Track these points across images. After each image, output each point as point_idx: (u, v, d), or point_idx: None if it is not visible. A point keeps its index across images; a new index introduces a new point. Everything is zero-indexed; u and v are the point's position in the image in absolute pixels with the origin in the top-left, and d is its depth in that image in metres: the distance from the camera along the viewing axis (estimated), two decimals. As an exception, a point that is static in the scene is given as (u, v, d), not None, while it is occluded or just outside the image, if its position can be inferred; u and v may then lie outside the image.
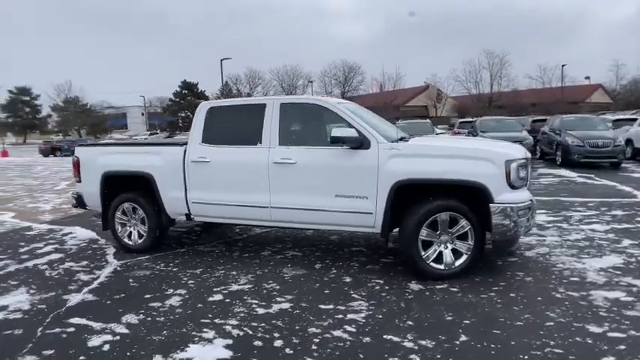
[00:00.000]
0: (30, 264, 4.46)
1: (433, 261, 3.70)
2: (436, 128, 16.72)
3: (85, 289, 3.72)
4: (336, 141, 3.77)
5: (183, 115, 55.67)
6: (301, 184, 4.07)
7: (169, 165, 4.50)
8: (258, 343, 2.74)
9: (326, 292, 3.54)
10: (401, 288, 3.56)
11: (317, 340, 2.73)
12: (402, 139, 4.08)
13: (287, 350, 2.63)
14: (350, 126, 3.90)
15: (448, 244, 3.72)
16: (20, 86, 57.47)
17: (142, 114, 66.91)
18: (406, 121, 15.52)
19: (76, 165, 4.98)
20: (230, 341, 2.76)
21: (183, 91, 56.44)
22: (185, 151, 4.47)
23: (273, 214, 4.19)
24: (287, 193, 4.12)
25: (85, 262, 4.48)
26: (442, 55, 77.51)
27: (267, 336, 2.81)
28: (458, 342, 2.65)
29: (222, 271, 4.09)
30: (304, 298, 3.40)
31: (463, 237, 3.70)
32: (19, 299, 3.51)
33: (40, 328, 2.99)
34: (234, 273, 4.04)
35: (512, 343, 2.62)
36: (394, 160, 3.76)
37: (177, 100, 57.27)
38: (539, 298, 3.27)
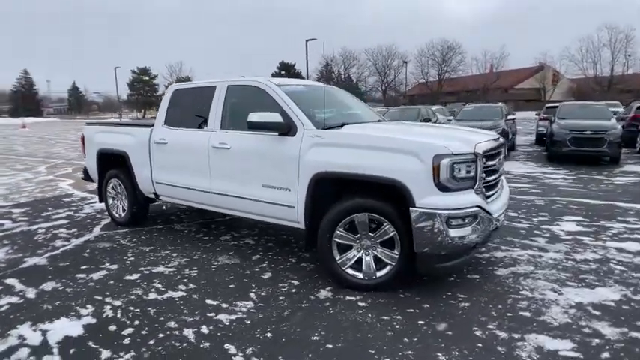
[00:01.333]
0: (34, 227, 5.19)
1: (352, 267, 3.23)
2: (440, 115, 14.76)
3: (47, 255, 4.17)
4: (254, 127, 3.48)
5: None
6: (234, 170, 3.90)
7: (139, 145, 4.73)
8: (112, 327, 2.75)
9: (231, 286, 3.37)
10: (307, 293, 3.20)
11: (161, 336, 2.63)
12: (343, 125, 3.57)
13: (126, 340, 2.58)
14: (279, 110, 3.57)
15: (370, 251, 3.20)
16: (141, 67, 66.90)
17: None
18: (474, 105, 13.73)
19: (82, 141, 5.57)
20: (94, 320, 2.83)
21: (281, 72, 58.91)
22: (151, 132, 4.64)
23: (213, 199, 4.12)
24: (223, 179, 3.99)
25: (74, 230, 5.04)
26: (553, 32, 66.28)
27: (128, 322, 2.80)
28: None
29: (167, 252, 4.20)
30: (203, 290, 3.29)
31: (388, 244, 3.14)
32: (-5, 256, 4.12)
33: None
34: (175, 255, 4.11)
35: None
36: (314, 149, 3.34)
37: None
38: (449, 333, 2.62)
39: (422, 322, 2.75)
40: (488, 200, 3.16)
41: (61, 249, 4.35)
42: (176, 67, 66.46)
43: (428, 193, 2.87)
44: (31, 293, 3.28)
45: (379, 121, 4.37)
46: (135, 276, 3.60)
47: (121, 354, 2.44)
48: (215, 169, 4.03)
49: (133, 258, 4.05)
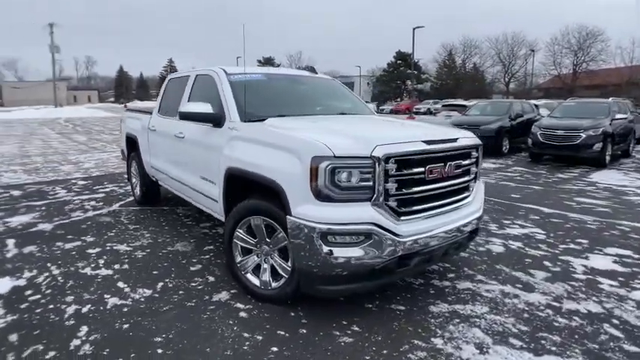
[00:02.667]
0: (76, 198, 6.11)
1: (252, 273, 2.99)
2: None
3: (57, 223, 4.87)
4: (183, 117, 3.44)
5: (394, 85, 57.02)
6: (186, 160, 3.96)
7: (142, 130, 5.14)
8: (28, 292, 3.08)
9: (155, 272, 3.46)
10: (208, 293, 3.10)
11: (50, 307, 2.85)
12: (266, 118, 3.28)
13: (23, 305, 2.86)
14: (219, 99, 3.46)
15: (269, 258, 2.90)
16: (266, 56, 72.20)
17: (368, 84, 72.15)
18: (576, 101, 11.20)
19: (120, 124, 6.32)
20: (23, 284, 3.21)
21: (398, 62, 57.34)
22: (149, 119, 4.99)
23: (177, 187, 4.25)
24: (180, 167, 4.08)
25: (101, 204, 5.78)
26: None
27: (43, 290, 3.10)
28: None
29: (143, 232, 4.51)
30: (128, 272, 3.45)
31: (285, 253, 2.81)
32: (20, 219, 4.98)
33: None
34: (146, 236, 4.39)
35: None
36: (230, 142, 3.17)
37: (390, 70, 58.91)
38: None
39: (276, 349, 2.41)
40: (407, 218, 2.57)
41: (72, 219, 5.04)
42: (296, 57, 70.39)
43: (304, 200, 2.46)
44: (10, 253, 3.89)
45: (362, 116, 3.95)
46: (95, 250, 3.97)
47: (8, 316, 2.74)
48: (175, 158, 4.17)
49: (112, 234, 4.46)
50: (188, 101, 4.11)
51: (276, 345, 2.44)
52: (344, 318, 2.73)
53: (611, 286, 3.21)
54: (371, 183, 2.44)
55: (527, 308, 2.87)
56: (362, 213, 2.44)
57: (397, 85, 57.55)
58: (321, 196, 2.43)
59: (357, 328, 2.62)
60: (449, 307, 2.89)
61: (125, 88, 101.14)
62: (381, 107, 47.93)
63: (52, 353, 2.34)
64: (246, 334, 2.55)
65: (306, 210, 2.46)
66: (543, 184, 7.38)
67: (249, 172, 2.88)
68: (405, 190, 2.58)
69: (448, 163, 2.79)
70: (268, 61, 73.22)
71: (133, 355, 2.34)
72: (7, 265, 3.58)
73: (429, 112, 33.78)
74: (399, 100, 50.86)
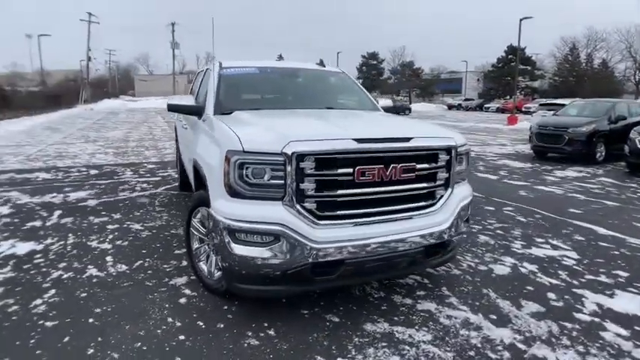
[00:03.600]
0: (135, 179, 6.95)
1: (204, 262, 3.06)
2: None
3: (103, 200, 5.61)
4: (171, 109, 3.62)
5: (503, 82, 51.70)
6: (185, 149, 4.19)
7: (179, 124, 5.61)
8: (38, 256, 3.63)
9: (143, 251, 3.78)
10: (170, 275, 3.29)
11: (44, 270, 3.32)
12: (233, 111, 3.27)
13: (26, 266, 3.39)
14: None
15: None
16: (371, 52, 71.46)
17: (478, 80, 67.08)
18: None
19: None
20: (40, 248, 3.80)
21: (509, 56, 51.79)
22: (183, 114, 5.43)
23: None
24: (184, 155, 4.35)
25: (151, 186, 6.50)
26: None
27: (50, 255, 3.63)
28: None
29: (164, 215, 4.95)
30: (123, 249, 3.83)
31: (224, 246, 2.80)
32: (78, 195, 5.86)
33: (47, 211, 5.08)
34: (164, 217, 4.81)
35: None
36: (198, 134, 3.28)
37: (500, 65, 53.54)
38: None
39: (182, 337, 2.43)
40: (329, 222, 2.37)
41: (117, 198, 5.77)
42: (399, 52, 68.56)
43: (220, 194, 2.44)
44: (50, 222, 4.63)
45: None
46: (113, 226, 4.50)
47: (8, 273, 3.28)
48: (183, 147, 4.47)
49: (137, 213, 5.00)
50: (190, 94, 4.38)
51: (186, 334, 2.48)
52: (269, 320, 2.64)
53: (617, 335, 2.48)
54: (282, 181, 2.31)
55: (479, 345, 2.39)
56: (271, 213, 2.32)
57: (507, 81, 52.00)
58: (232, 191, 2.38)
59: (272, 333, 2.51)
60: (387, 327, 2.58)
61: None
62: (485, 105, 44.08)
63: (14, 307, 2.75)
64: (169, 319, 2.65)
65: (220, 204, 2.43)
66: (623, 200, 6.00)
67: (197, 163, 2.96)
68: (327, 192, 2.37)
69: (392, 166, 2.47)
70: (372, 56, 72.77)
71: (67, 320, 2.62)
72: (41, 231, 4.29)
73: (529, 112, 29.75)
74: (507, 97, 45.97)
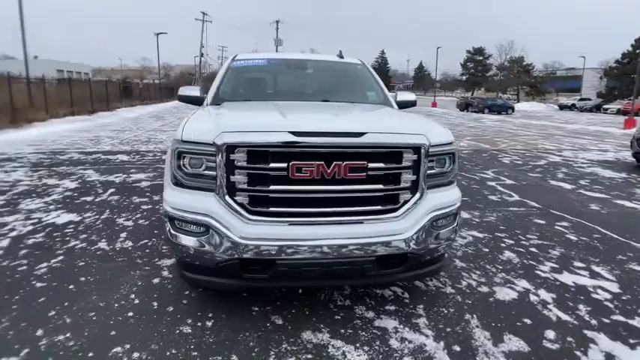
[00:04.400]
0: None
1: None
2: None
3: (156, 182, 6.20)
4: (180, 99, 3.77)
5: (627, 80, 43.19)
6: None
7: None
8: (71, 226, 4.16)
9: (155, 231, 4.07)
10: (159, 257, 3.45)
11: (72, 243, 3.78)
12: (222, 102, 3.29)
13: (57, 233, 3.92)
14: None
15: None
16: (477, 47, 66.10)
17: (601, 77, 57.89)
18: None
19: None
20: (76, 219, 4.35)
21: (636, 51, 43.07)
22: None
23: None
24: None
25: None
26: None
27: (78, 228, 4.14)
28: None
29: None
30: (139, 229, 4.18)
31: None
32: (138, 177, 6.55)
33: (103, 189, 5.79)
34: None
35: None
36: None
37: (625, 61, 44.81)
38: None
39: (131, 314, 2.55)
40: (261, 219, 2.25)
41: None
42: (507, 47, 62.49)
43: (167, 183, 2.48)
44: (100, 198, 5.26)
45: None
46: (147, 207, 4.94)
47: (39, 237, 3.82)
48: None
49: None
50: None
51: (135, 312, 2.60)
52: (216, 311, 2.63)
53: None
54: (214, 173, 2.25)
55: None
56: (201, 203, 2.28)
57: (631, 79, 43.19)
58: (174, 180, 2.40)
59: (209, 324, 2.49)
60: (326, 339, 2.35)
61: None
62: (604, 106, 37.72)
63: (23, 267, 3.20)
64: (132, 296, 2.81)
65: (166, 193, 2.48)
66: None
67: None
68: (259, 187, 2.24)
69: (334, 163, 2.22)
70: (478, 52, 67.67)
71: (54, 284, 2.95)
72: (87, 206, 4.92)
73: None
74: (631, 98, 38.40)
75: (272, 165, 2.23)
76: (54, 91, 18.30)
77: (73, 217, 4.50)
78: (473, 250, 3.76)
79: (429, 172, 2.47)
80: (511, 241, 4.00)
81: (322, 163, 2.23)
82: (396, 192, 2.38)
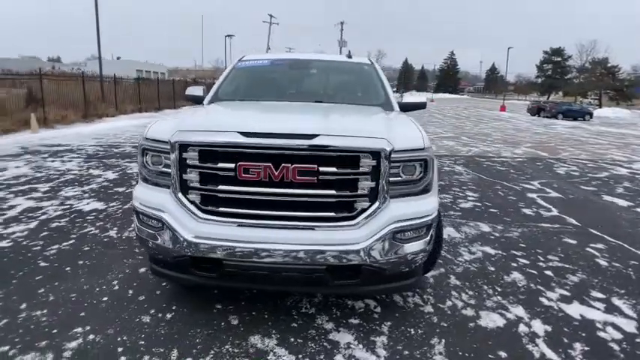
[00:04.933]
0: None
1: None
2: None
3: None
4: (186, 99, 3.90)
5: None
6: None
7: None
8: (94, 213, 4.52)
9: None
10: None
11: (89, 229, 4.11)
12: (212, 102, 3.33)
13: (79, 220, 4.28)
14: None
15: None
16: (555, 47, 60.57)
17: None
18: None
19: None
20: (101, 207, 4.72)
21: None
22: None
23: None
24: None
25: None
26: None
27: (99, 216, 4.49)
28: None
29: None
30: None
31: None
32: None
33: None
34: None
35: None
36: None
37: None
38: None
39: (106, 298, 2.69)
40: (212, 218, 2.25)
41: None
42: (588, 47, 56.49)
43: (139, 179, 2.55)
44: (130, 189, 5.60)
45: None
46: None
47: (62, 222, 4.20)
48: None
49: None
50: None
51: (110, 297, 2.76)
52: (182, 304, 2.70)
53: None
54: (169, 170, 2.29)
55: None
56: (157, 199, 2.35)
57: None
58: (140, 175, 2.49)
59: (168, 316, 2.56)
60: (271, 346, 2.28)
61: (407, 80, 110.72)
62: None
63: (37, 247, 3.54)
64: (114, 282, 2.98)
65: (135, 188, 2.57)
66: None
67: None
68: (210, 186, 2.24)
69: (282, 165, 2.15)
70: (556, 52, 62.16)
71: (55, 265, 3.23)
72: (115, 196, 5.32)
73: None
74: None
75: (220, 165, 2.22)
76: (127, 89, 20.16)
77: (100, 205, 4.90)
78: (476, 268, 3.43)
79: (393, 179, 2.28)
80: (525, 262, 3.58)
81: (270, 164, 2.18)
82: (351, 199, 2.25)
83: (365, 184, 2.24)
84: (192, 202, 2.29)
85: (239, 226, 2.26)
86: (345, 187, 2.24)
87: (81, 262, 3.31)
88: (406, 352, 2.28)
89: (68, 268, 3.20)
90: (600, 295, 3.00)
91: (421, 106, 3.82)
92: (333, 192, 2.22)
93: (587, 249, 3.91)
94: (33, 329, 2.39)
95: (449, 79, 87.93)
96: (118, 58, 40.25)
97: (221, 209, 2.27)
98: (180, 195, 2.30)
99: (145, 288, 2.92)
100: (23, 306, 2.62)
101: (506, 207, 5.35)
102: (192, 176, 2.27)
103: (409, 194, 2.38)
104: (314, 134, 2.20)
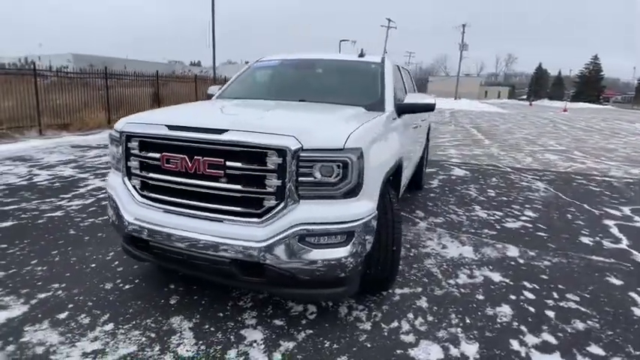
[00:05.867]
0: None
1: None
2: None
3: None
4: (207, 97, 4.24)
5: None
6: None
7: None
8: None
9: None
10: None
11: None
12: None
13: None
14: None
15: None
16: None
17: None
18: None
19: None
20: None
21: None
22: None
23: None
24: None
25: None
26: None
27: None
28: None
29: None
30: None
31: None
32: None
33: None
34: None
35: None
36: None
37: None
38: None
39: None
40: (146, 202, 2.50)
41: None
42: None
43: (113, 167, 2.94)
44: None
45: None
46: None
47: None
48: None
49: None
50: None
51: (97, 265, 3.22)
52: (145, 278, 3.02)
53: None
54: (122, 158, 2.58)
55: None
56: (113, 182, 2.68)
57: None
58: (110, 162, 2.85)
59: (126, 287, 2.87)
60: (184, 326, 2.36)
61: (540, 86, 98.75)
62: None
63: (76, 219, 4.29)
64: (110, 254, 3.44)
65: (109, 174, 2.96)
66: None
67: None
68: (144, 173, 2.47)
69: (195, 158, 2.24)
70: None
71: (80, 234, 3.87)
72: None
73: None
74: None
75: (150, 154, 2.43)
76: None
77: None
78: (460, 294, 2.98)
79: (304, 179, 2.19)
80: (530, 296, 2.96)
81: (185, 156, 2.30)
82: (258, 195, 2.22)
83: (272, 182, 2.20)
84: (133, 187, 2.56)
85: (165, 212, 2.45)
86: (253, 184, 2.24)
87: (99, 235, 3.91)
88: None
89: (87, 238, 3.82)
90: (596, 351, 2.32)
91: (426, 107, 3.48)
92: (239, 187, 2.25)
93: (631, 293, 3.04)
94: (27, 280, 2.96)
95: (590, 86, 75.07)
96: (247, 62, 44.99)
97: (152, 195, 2.49)
98: (125, 179, 2.59)
99: (128, 262, 3.31)
100: (34, 262, 3.25)
101: (563, 232, 4.46)
102: (134, 164, 2.53)
103: (327, 197, 2.24)
104: (224, 129, 2.25)
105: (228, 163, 2.23)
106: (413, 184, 6.03)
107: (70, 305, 2.63)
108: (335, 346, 2.33)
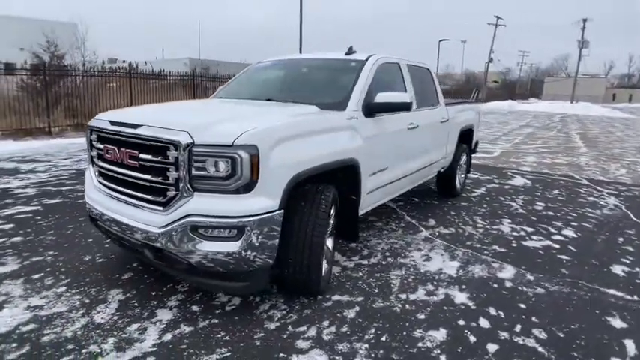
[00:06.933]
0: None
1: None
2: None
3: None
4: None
5: None
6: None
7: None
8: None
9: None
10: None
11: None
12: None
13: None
14: None
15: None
16: None
17: None
18: None
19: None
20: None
21: None
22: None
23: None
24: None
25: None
26: None
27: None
28: None
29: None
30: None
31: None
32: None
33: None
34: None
35: None
36: None
37: None
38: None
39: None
40: (99, 186, 2.87)
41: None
42: None
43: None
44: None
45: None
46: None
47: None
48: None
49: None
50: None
51: (93, 239, 3.72)
52: (123, 255, 3.38)
53: None
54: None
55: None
56: (87, 170, 3.08)
57: None
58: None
59: (99, 261, 3.28)
60: (113, 303, 2.63)
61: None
62: None
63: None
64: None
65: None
66: None
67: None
68: (98, 162, 2.82)
69: (121, 149, 2.51)
70: None
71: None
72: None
73: None
74: None
75: (98, 145, 2.79)
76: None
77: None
78: (402, 310, 2.70)
79: (197, 173, 2.28)
80: (486, 325, 2.53)
81: (115, 148, 2.58)
82: (161, 185, 2.38)
83: (172, 174, 2.34)
84: (94, 173, 2.96)
85: (107, 195, 2.77)
86: (159, 175, 2.41)
87: (70, 225, 4.44)
88: (171, 346, 2.25)
89: (82, 219, 4.44)
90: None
91: (400, 106, 3.24)
92: (149, 177, 2.44)
93: (625, 340, 2.37)
94: (35, 246, 3.59)
95: None
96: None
97: (100, 180, 2.85)
98: (90, 166, 3.01)
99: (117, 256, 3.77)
100: (50, 232, 3.93)
101: (594, 257, 3.66)
102: (93, 153, 2.93)
103: (219, 191, 2.30)
104: (139, 125, 2.47)
105: (141, 155, 2.45)
106: (443, 190, 5.58)
107: (48, 269, 3.16)
108: (226, 338, 2.37)
